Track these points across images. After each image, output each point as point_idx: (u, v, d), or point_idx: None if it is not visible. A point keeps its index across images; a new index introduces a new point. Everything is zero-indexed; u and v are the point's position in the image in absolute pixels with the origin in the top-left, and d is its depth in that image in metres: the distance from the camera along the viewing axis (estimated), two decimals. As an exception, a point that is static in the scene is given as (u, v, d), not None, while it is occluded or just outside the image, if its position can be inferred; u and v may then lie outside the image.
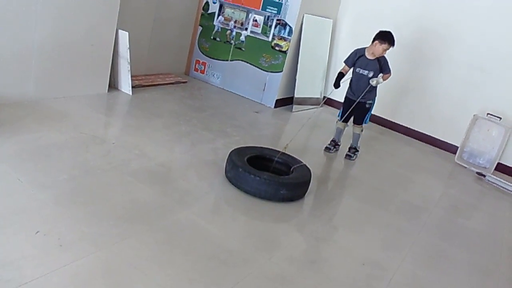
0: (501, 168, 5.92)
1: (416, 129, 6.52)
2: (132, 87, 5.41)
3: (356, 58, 4.82)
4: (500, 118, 5.82)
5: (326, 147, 5.20)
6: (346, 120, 5.08)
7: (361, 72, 4.80)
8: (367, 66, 4.77)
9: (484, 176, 5.57)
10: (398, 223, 3.91)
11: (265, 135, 5.29)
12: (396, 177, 5.05)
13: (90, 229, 2.71)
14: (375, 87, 4.87)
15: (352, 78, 4.92)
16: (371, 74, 4.75)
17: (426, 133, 6.45)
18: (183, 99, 5.80)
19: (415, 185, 4.96)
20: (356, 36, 6.76)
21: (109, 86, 5.28)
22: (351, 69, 4.90)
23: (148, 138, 4.30)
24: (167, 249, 2.74)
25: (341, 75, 4.88)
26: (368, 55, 4.75)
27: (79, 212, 2.86)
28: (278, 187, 3.60)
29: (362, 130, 5.10)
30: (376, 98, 5.00)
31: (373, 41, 4.71)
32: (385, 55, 4.79)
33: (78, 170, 3.38)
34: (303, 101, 6.58)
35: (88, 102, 4.82)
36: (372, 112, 5.12)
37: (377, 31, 4.73)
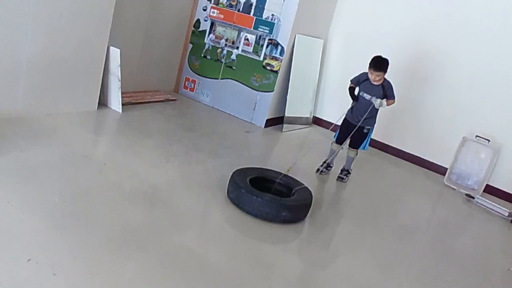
0: (489, 189, 5.95)
1: (406, 151, 6.54)
2: (122, 104, 5.34)
3: (362, 81, 4.78)
4: (489, 141, 5.86)
5: (318, 169, 5.11)
6: (341, 142, 5.00)
7: (363, 95, 4.75)
8: (371, 91, 4.71)
9: (473, 197, 5.58)
10: (392, 246, 3.89)
11: (257, 156, 5.25)
12: (388, 199, 5.04)
13: (84, 255, 2.63)
14: (376, 113, 4.85)
15: (355, 101, 4.86)
16: (373, 99, 4.68)
17: (416, 154, 6.47)
18: (173, 117, 5.75)
19: (406, 207, 4.96)
20: (346, 56, 6.82)
21: (99, 103, 5.20)
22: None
23: (140, 158, 4.23)
24: (164, 275, 2.67)
25: (352, 89, 4.86)
26: (373, 81, 4.68)
27: (72, 237, 2.78)
28: (280, 208, 3.61)
29: (356, 154, 5.06)
30: (376, 124, 5.01)
31: (368, 68, 4.66)
32: (389, 80, 4.76)
33: (70, 192, 3.29)
34: (293, 121, 6.57)
35: (77, 120, 4.74)
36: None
37: (372, 57, 4.67)
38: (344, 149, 5.13)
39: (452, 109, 6.19)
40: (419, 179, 6.00)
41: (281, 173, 4.15)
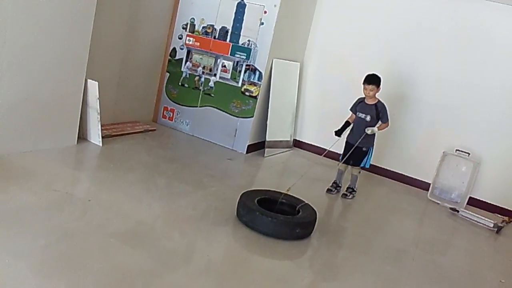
0: (472, 202, 6.01)
1: (388, 168, 6.57)
2: (101, 137, 5.24)
3: (357, 104, 5.17)
4: (469, 154, 5.93)
5: (328, 189, 5.40)
6: (346, 162, 5.26)
7: (359, 115, 5.12)
8: (365, 110, 5.09)
9: (458, 211, 5.62)
10: (384, 269, 3.85)
11: (242, 184, 5.15)
12: (375, 219, 5.04)
13: (75, 302, 2.54)
14: (373, 135, 5.14)
15: (354, 122, 5.20)
16: (368, 118, 5.06)
17: (398, 171, 6.51)
18: (154, 148, 5.67)
19: (393, 227, 4.94)
20: (323, 77, 6.86)
21: (78, 137, 5.09)
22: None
23: (124, 193, 4.14)
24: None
25: (347, 124, 5.19)
26: (367, 100, 5.09)
27: (61, 284, 2.67)
28: (294, 226, 3.88)
29: (359, 172, 5.36)
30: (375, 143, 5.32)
31: (362, 84, 5.07)
32: (384, 103, 5.11)
33: (55, 235, 3.18)
34: (275, 145, 6.54)
35: (57, 156, 4.63)
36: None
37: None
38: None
39: (431, 126, 6.27)
40: (403, 197, 6.02)
41: (281, 193, 4.33)
